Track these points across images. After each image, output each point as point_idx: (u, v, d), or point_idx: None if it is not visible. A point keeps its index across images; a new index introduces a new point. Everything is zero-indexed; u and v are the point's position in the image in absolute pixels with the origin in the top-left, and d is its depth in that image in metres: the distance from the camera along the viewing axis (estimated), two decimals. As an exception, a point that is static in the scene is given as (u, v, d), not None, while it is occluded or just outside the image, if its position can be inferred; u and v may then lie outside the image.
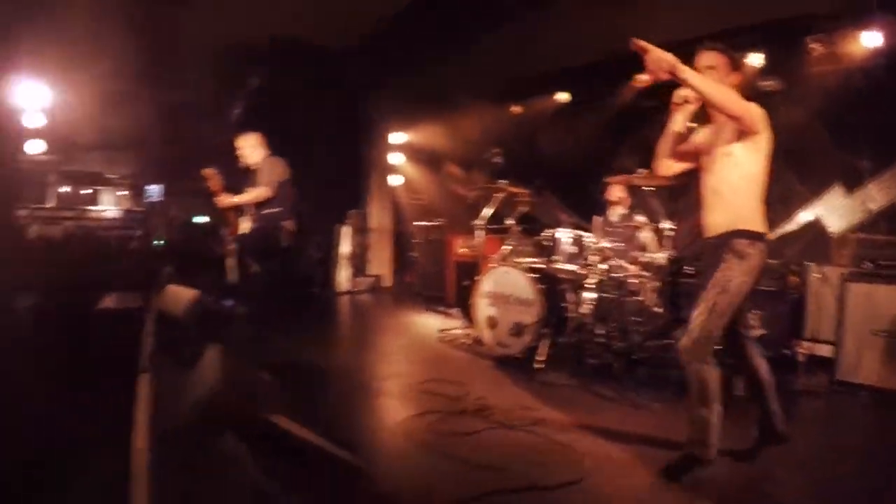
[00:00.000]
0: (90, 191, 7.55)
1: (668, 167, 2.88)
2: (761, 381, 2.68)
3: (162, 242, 7.49)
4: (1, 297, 4.05)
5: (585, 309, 4.34)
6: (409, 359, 4.75)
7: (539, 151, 7.26)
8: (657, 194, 4.43)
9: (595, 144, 6.59)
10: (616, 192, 5.09)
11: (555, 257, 4.64)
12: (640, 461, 2.74)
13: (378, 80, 7.72)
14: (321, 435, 2.30)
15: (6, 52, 5.36)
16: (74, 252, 6.74)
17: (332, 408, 3.43)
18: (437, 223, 7.61)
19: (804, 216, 5.23)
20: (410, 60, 6.80)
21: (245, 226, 4.84)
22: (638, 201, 4.78)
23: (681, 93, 2.65)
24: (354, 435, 2.97)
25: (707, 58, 2.63)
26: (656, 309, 4.21)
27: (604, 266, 4.41)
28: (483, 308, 4.75)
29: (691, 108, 2.72)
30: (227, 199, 4.80)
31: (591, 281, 4.39)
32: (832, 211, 5.09)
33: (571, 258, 4.61)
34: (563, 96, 7.29)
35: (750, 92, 2.88)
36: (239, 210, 4.89)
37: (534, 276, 4.46)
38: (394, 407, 3.55)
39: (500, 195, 5.12)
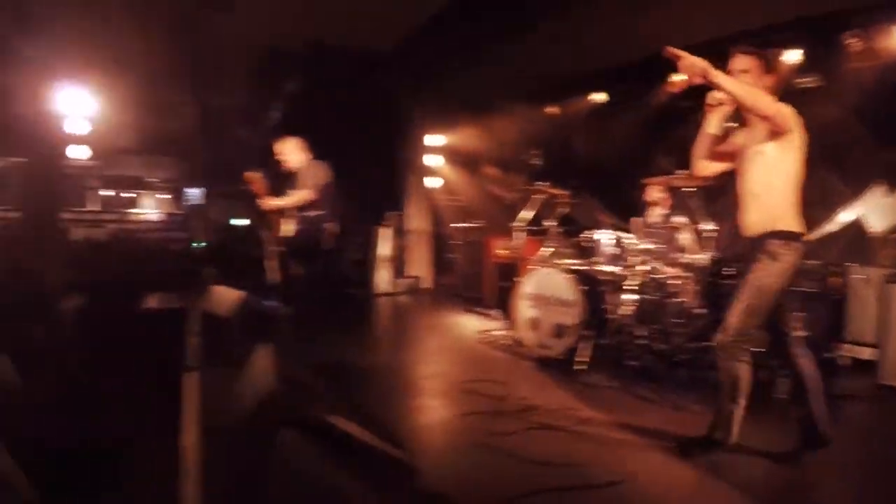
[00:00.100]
0: (132, 194, 7.85)
1: (706, 168, 2.94)
2: (805, 381, 2.70)
3: (203, 244, 7.66)
4: (50, 298, 4.24)
5: (626, 310, 4.38)
6: (450, 359, 4.84)
7: (575, 152, 7.27)
8: (696, 195, 4.43)
9: (632, 145, 6.55)
10: (655, 193, 5.04)
11: (595, 259, 4.70)
12: (681, 463, 2.78)
13: (416, 83, 7.79)
14: (370, 433, 2.42)
15: (50, 60, 5.56)
16: (118, 254, 6.99)
17: (378, 406, 3.49)
18: (475, 225, 7.70)
19: (845, 216, 5.13)
20: (448, 63, 6.87)
21: (288, 228, 4.91)
22: (678, 202, 4.78)
23: (715, 95, 2.71)
24: (401, 433, 3.02)
25: (740, 61, 2.69)
26: (697, 310, 4.22)
27: (644, 267, 4.43)
28: (524, 309, 4.81)
29: (726, 109, 2.78)
30: (271, 202, 4.89)
31: (631, 282, 4.43)
32: (873, 210, 4.99)
33: (612, 260, 4.65)
34: (599, 97, 7.27)
35: (787, 90, 2.89)
36: (280, 213, 4.98)
37: (575, 277, 4.50)
38: (438, 406, 3.64)
39: (540, 197, 5.18)
